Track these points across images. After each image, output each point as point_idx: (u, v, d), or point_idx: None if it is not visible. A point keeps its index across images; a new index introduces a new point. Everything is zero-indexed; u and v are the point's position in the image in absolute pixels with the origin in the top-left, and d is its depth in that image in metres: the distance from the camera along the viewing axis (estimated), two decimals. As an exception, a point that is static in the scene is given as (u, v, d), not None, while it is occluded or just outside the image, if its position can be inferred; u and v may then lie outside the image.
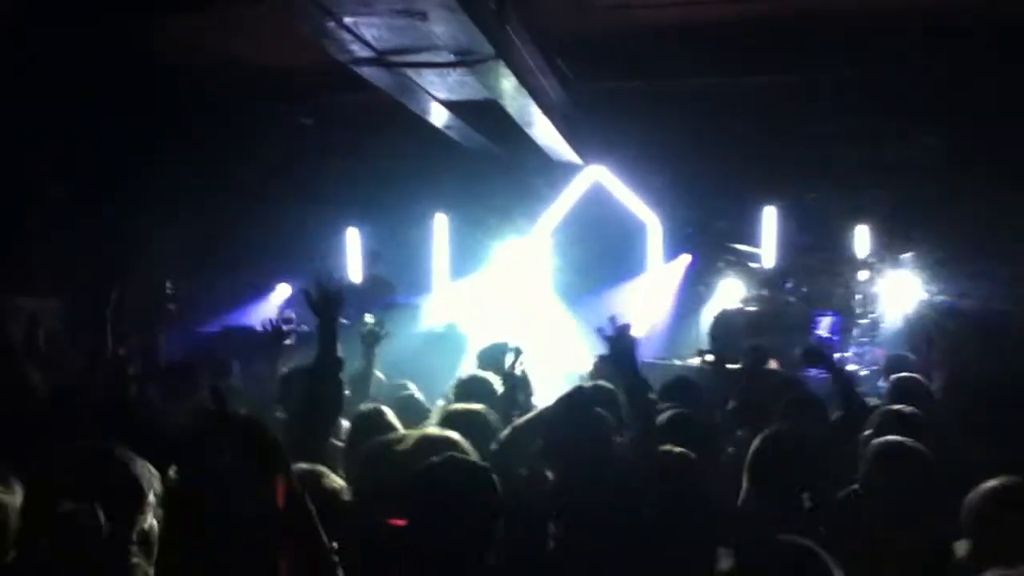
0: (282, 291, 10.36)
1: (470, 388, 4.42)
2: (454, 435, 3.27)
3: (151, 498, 2.23)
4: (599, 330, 3.78)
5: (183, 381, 5.09)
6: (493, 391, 4.34)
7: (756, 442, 3.48)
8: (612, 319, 3.77)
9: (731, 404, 5.14)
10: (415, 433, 3.44)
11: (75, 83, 7.06)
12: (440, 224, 10.94)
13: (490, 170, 10.12)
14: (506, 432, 3.51)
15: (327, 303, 3.82)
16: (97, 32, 6.61)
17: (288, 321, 5.12)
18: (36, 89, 6.92)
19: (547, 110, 7.82)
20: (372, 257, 10.43)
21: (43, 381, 3.99)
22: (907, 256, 8.62)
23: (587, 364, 6.12)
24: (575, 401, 3.57)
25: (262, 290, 10.37)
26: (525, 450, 3.53)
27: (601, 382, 4.29)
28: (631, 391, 3.67)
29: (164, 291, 4.49)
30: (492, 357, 5.55)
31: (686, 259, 10.17)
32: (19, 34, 6.32)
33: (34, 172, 7.64)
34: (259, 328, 6.27)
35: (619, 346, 3.71)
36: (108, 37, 6.75)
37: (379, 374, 5.55)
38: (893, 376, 5.24)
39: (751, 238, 9.87)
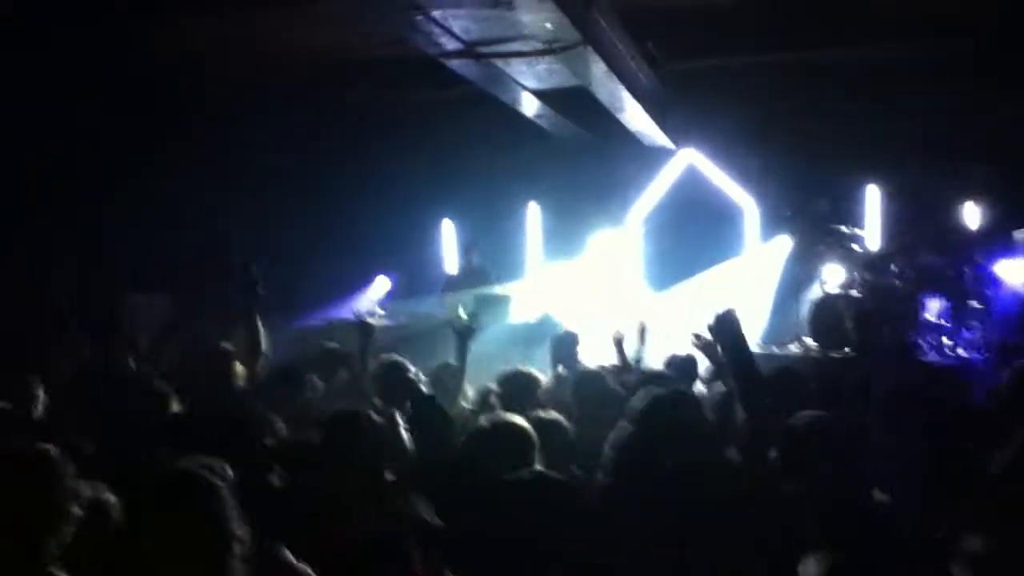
0: (381, 283, 10.60)
1: (513, 382, 4.45)
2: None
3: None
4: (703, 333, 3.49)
5: (287, 385, 4.84)
6: (537, 384, 4.33)
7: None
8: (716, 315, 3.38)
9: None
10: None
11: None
12: (533, 213, 10.98)
13: (582, 158, 10.09)
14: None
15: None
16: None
17: (372, 314, 5.16)
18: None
19: (637, 94, 7.73)
20: (467, 248, 10.55)
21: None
22: (1020, 233, 8.19)
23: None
24: (652, 410, 3.27)
25: (361, 283, 10.62)
26: None
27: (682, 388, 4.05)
28: (742, 383, 3.28)
29: (250, 275, 4.53)
30: (564, 346, 5.56)
31: (784, 242, 9.91)
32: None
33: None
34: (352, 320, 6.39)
35: (723, 331, 3.34)
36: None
37: None
38: (1015, 364, 4.93)
39: (853, 219, 9.54)
